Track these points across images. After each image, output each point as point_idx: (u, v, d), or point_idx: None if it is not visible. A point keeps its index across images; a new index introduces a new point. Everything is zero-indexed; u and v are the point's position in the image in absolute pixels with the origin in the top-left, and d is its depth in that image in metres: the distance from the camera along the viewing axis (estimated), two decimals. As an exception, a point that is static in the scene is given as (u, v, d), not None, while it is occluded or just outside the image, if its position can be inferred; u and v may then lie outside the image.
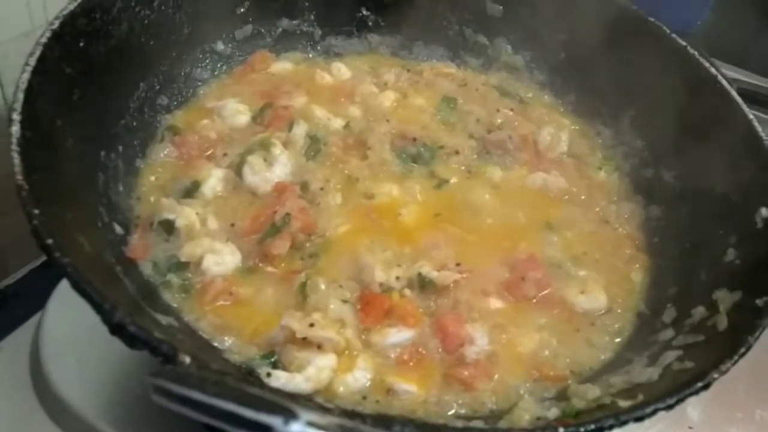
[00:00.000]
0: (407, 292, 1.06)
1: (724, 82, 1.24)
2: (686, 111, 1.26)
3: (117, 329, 0.75)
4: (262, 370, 0.92)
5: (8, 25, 1.21)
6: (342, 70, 1.48)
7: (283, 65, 1.48)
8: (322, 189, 1.19)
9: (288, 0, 1.50)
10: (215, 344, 0.98)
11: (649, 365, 0.97)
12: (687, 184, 1.26)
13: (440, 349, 1.02)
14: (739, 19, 1.94)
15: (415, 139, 1.32)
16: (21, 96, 0.90)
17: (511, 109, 1.45)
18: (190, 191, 1.17)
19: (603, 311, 1.12)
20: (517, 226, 1.23)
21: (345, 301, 1.03)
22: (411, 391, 0.97)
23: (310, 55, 1.55)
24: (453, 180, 1.28)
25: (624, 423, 0.80)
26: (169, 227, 1.09)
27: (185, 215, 1.10)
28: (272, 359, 0.96)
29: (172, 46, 1.32)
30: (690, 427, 1.18)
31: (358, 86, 1.44)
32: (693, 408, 1.20)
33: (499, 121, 1.41)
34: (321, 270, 1.08)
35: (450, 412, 0.96)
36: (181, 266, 1.06)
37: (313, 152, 1.26)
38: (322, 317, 0.98)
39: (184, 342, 0.92)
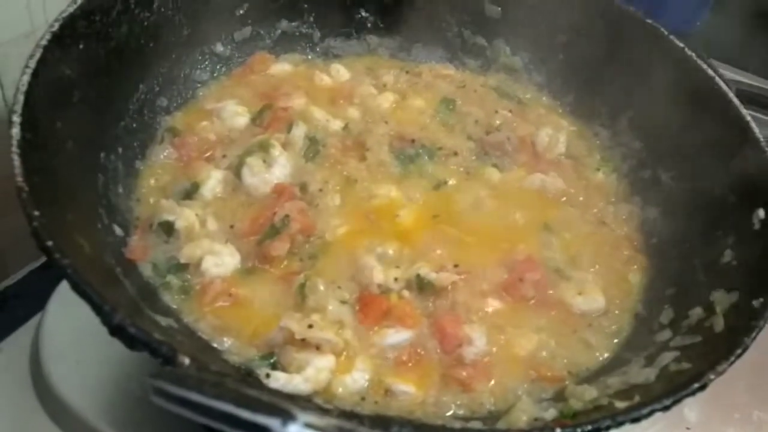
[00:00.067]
0: (406, 293, 1.06)
1: (722, 84, 1.24)
2: (684, 112, 1.26)
3: (117, 330, 0.75)
4: (262, 371, 0.93)
5: (8, 26, 1.21)
6: (341, 71, 1.48)
7: (282, 67, 1.48)
8: (320, 190, 1.19)
9: (287, 2, 1.50)
10: (215, 345, 0.99)
11: (646, 366, 0.97)
12: (685, 185, 1.26)
13: (438, 350, 1.02)
14: (738, 20, 1.94)
15: (413, 141, 1.32)
16: (21, 98, 0.90)
17: (510, 111, 1.45)
18: (190, 193, 1.17)
19: (601, 312, 1.12)
20: (515, 228, 1.23)
21: (344, 302, 1.03)
22: (409, 392, 0.97)
23: (309, 57, 1.55)
24: (451, 181, 1.29)
25: (621, 424, 0.81)
26: (168, 229, 1.09)
27: (185, 217, 1.10)
28: (271, 360, 0.96)
29: (171, 47, 1.32)
30: (687, 428, 1.19)
31: (357, 88, 1.44)
32: (690, 409, 1.20)
33: (497, 122, 1.41)
34: (320, 271, 1.08)
35: (448, 413, 0.97)
36: (180, 267, 1.06)
37: (312, 154, 1.26)
38: (320, 318, 0.98)
39: (184, 343, 0.92)
